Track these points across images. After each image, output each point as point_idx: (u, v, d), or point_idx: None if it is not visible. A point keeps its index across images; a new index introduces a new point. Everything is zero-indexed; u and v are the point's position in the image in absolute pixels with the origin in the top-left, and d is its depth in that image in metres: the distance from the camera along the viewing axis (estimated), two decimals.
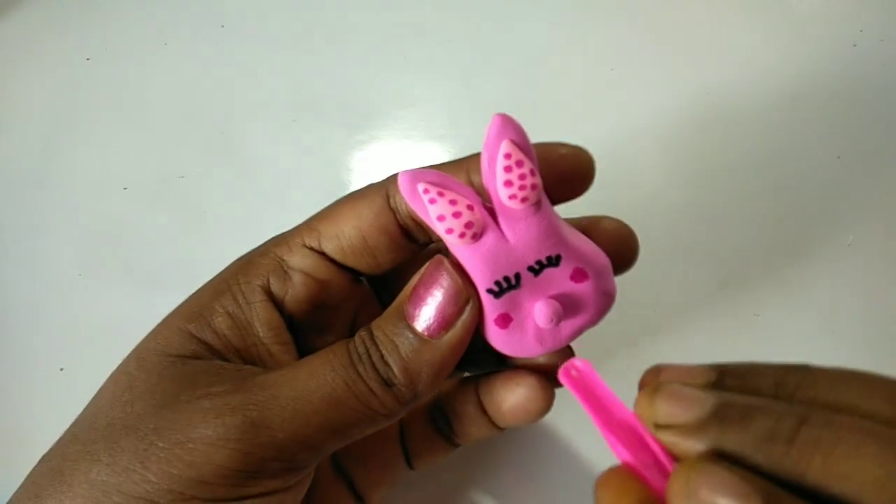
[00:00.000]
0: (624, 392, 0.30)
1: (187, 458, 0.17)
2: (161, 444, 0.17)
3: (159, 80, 0.41)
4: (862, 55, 0.38)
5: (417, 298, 0.19)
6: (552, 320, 0.19)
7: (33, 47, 0.43)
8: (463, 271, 0.19)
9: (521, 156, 0.18)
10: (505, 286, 0.19)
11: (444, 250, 0.24)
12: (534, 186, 0.18)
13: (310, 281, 0.21)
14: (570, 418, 0.30)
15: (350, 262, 0.21)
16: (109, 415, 0.19)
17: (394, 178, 0.21)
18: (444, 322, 0.19)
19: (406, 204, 0.21)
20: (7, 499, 0.19)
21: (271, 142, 0.38)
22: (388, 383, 0.19)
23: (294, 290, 0.21)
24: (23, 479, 0.19)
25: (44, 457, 0.19)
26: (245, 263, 0.22)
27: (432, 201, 0.18)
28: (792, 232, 0.34)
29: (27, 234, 0.37)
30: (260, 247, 0.22)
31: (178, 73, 0.41)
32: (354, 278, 0.23)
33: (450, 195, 0.18)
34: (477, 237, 0.18)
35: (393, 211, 0.21)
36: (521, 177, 0.18)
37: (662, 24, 0.40)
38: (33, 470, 0.19)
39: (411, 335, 0.19)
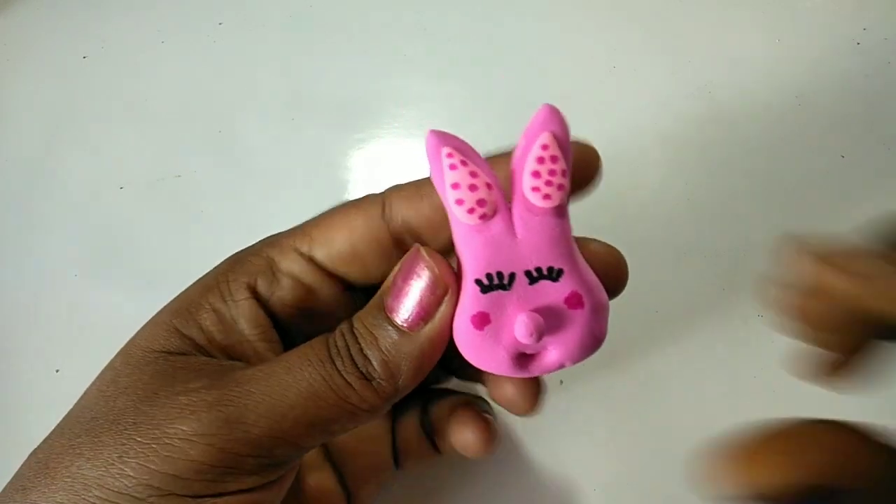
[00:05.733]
0: (626, 393, 0.30)
1: (163, 454, 0.17)
2: (139, 439, 0.17)
3: (156, 78, 0.41)
4: (865, 53, 0.38)
5: (396, 290, 0.18)
6: (532, 335, 0.17)
7: (29, 45, 0.42)
8: (443, 262, 0.18)
9: (557, 152, 0.17)
10: (496, 282, 0.18)
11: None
12: (560, 187, 0.17)
13: (297, 286, 0.21)
14: (556, 428, 0.30)
15: (339, 269, 0.21)
16: (94, 409, 0.19)
17: (393, 189, 0.21)
18: (424, 313, 0.18)
19: (400, 215, 0.20)
20: None
21: (269, 140, 0.38)
22: (367, 377, 0.18)
23: (281, 293, 0.21)
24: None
25: (33, 451, 0.19)
26: (236, 261, 0.22)
27: (453, 167, 0.17)
28: (796, 232, 0.34)
29: (22, 234, 0.36)
30: (254, 245, 0.22)
31: (176, 71, 0.41)
32: (345, 288, 0.22)
33: (472, 167, 0.17)
34: (485, 218, 0.17)
35: (386, 222, 0.21)
36: (552, 172, 0.17)
37: (664, 22, 0.40)
38: (23, 464, 0.19)
39: (391, 328, 0.18)
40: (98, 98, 0.40)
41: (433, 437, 0.25)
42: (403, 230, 0.21)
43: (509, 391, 0.21)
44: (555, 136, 0.17)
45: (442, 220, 0.20)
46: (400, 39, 0.41)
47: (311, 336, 0.22)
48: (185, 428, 0.17)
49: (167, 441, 0.17)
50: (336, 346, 0.18)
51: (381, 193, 0.21)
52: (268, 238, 0.22)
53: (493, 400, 0.23)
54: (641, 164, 0.36)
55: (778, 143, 0.36)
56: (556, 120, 0.17)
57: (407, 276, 0.18)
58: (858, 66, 0.38)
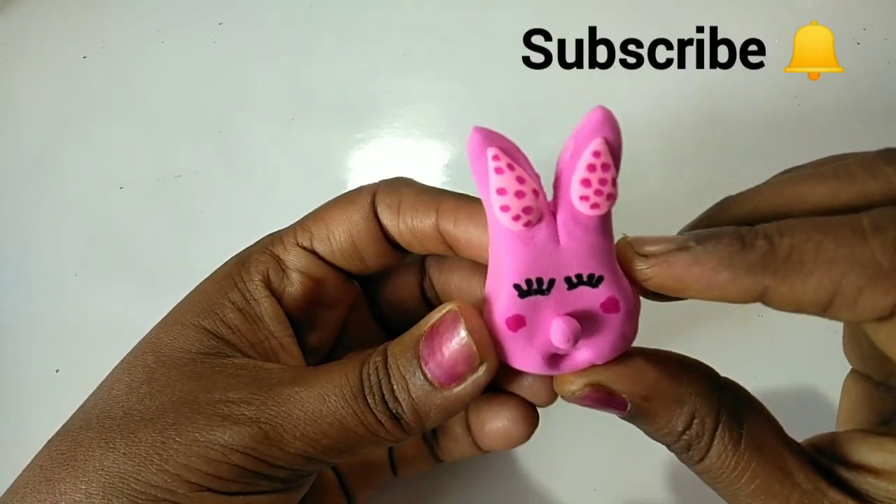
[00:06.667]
0: None
1: (205, 455, 0.18)
2: (178, 440, 0.18)
3: (156, 78, 0.41)
4: (865, 53, 0.38)
5: (432, 346, 0.19)
6: (569, 341, 0.17)
7: (30, 46, 0.42)
8: (482, 331, 0.18)
9: (609, 160, 0.16)
10: (535, 287, 0.17)
11: (432, 262, 0.24)
12: (609, 196, 0.17)
13: (306, 279, 0.22)
14: (557, 428, 0.30)
15: (340, 263, 0.22)
16: (126, 405, 0.19)
17: (382, 184, 0.22)
18: (455, 377, 0.18)
19: (393, 218, 0.21)
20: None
21: (269, 140, 0.38)
22: (396, 416, 0.19)
23: (292, 289, 0.22)
24: (20, 471, 0.19)
25: (50, 442, 0.19)
26: (244, 261, 0.22)
27: (499, 171, 0.16)
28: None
29: (23, 234, 0.36)
30: (255, 244, 0.23)
31: (176, 71, 0.41)
32: (347, 277, 0.23)
33: (519, 171, 0.16)
34: (529, 226, 0.17)
35: (378, 220, 0.22)
36: (602, 181, 0.16)
37: (664, 22, 0.40)
38: (39, 455, 0.19)
39: (423, 377, 0.19)
40: (98, 98, 0.40)
41: (434, 444, 0.26)
42: (395, 232, 0.22)
43: (527, 381, 0.22)
44: (607, 143, 0.16)
45: (412, 240, 0.21)
46: (400, 39, 0.41)
47: (315, 325, 0.23)
48: (226, 437, 0.18)
49: (208, 446, 0.18)
50: (369, 380, 0.19)
51: (372, 187, 0.22)
52: (266, 237, 0.23)
53: (509, 389, 0.23)
54: (641, 164, 0.36)
55: (778, 142, 0.36)
56: (609, 125, 0.16)
57: (444, 339, 0.18)
58: (858, 66, 0.38)
